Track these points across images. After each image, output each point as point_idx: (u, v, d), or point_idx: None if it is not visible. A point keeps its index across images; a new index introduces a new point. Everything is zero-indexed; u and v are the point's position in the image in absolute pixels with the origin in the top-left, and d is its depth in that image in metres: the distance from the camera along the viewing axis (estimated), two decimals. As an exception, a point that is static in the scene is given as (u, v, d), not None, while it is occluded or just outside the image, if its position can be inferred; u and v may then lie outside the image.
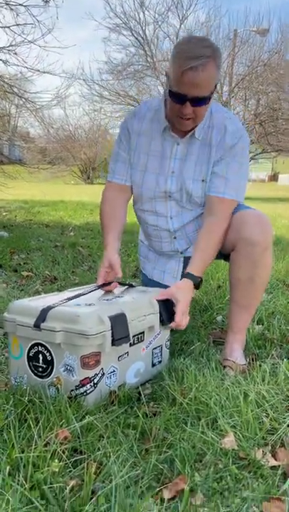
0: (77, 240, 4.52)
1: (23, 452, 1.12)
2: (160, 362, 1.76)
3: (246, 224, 1.74)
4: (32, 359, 1.51)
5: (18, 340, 1.53)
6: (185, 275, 1.74)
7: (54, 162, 21.18)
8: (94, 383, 1.44)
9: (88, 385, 1.43)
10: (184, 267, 2.07)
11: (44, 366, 1.49)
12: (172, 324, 1.65)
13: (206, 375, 1.56)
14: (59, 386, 1.46)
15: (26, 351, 1.52)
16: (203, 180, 1.85)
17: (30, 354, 1.51)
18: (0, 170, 9.87)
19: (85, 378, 1.43)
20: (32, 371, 1.52)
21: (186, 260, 2.05)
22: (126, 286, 1.85)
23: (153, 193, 1.93)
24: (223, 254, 1.93)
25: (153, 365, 1.72)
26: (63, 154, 23.96)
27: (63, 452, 1.13)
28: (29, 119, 13.60)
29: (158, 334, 1.72)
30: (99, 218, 1.99)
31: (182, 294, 1.67)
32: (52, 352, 1.46)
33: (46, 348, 1.47)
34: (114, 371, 1.52)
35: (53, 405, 1.35)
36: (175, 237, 1.97)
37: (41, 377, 1.50)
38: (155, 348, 1.72)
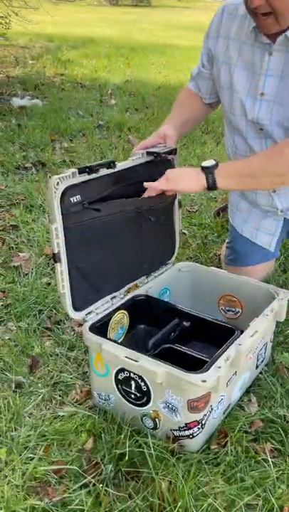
0: (122, 119, 3.90)
1: None
2: (263, 360, 1.48)
3: None
4: (121, 382, 1.24)
5: (103, 359, 1.24)
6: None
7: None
8: (202, 425, 1.18)
9: (195, 428, 1.17)
10: (284, 230, 1.65)
11: (138, 395, 1.22)
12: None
13: None
14: (157, 420, 1.21)
15: (114, 373, 1.24)
16: None
17: (120, 377, 1.23)
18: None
19: (193, 422, 1.16)
20: (122, 395, 1.25)
21: (288, 223, 1.63)
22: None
23: (240, 122, 1.46)
24: None
25: (256, 366, 1.44)
26: None
27: None
28: None
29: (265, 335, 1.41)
30: None
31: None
32: (149, 385, 1.18)
33: (141, 378, 1.18)
34: (221, 400, 1.25)
35: (156, 457, 1.11)
36: (274, 191, 1.52)
37: (134, 404, 1.24)
38: (260, 350, 1.42)
